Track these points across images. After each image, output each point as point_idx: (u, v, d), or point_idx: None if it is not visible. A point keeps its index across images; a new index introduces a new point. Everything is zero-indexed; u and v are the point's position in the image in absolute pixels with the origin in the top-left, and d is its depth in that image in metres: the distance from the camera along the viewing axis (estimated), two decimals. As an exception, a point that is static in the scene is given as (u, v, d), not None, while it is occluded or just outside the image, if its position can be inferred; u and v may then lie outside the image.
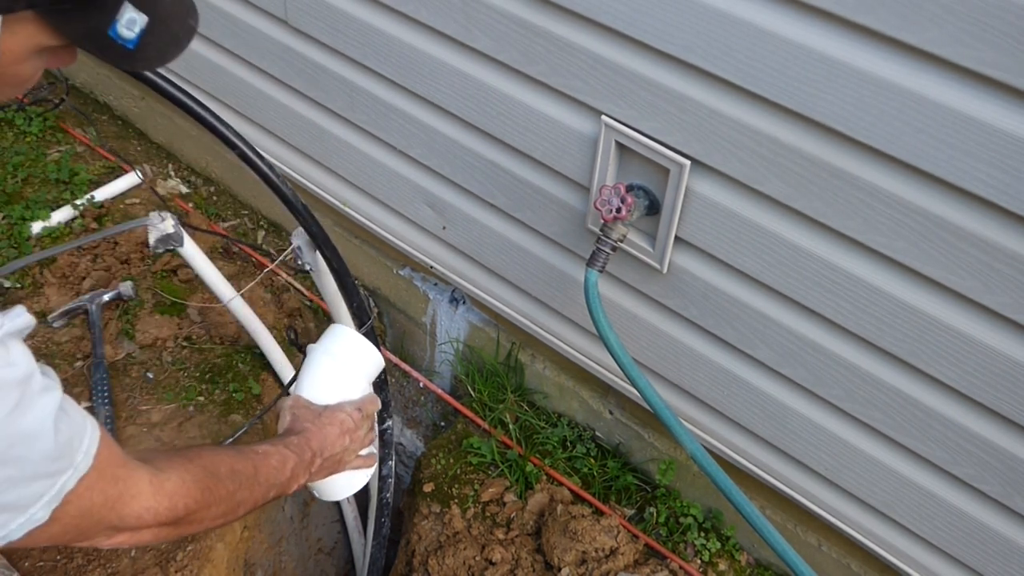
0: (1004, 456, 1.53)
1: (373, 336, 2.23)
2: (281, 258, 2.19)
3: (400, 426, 2.74)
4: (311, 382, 1.62)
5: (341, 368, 1.65)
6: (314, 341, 1.70)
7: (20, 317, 1.00)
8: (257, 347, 2.36)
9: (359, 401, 1.61)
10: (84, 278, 2.50)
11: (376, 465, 1.67)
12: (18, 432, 0.94)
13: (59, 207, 2.68)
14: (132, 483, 1.11)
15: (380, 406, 1.64)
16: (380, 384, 2.35)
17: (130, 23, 0.92)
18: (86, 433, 1.03)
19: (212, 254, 2.64)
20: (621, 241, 1.71)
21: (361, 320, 2.15)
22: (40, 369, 0.99)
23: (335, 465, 1.53)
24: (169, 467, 1.18)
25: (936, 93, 1.27)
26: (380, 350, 2.29)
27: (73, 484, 1.01)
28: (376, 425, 1.62)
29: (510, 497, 2.22)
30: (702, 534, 2.14)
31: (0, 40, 0.88)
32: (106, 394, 2.22)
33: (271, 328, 2.36)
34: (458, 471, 2.29)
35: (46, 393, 0.98)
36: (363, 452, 1.61)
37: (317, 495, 1.63)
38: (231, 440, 2.19)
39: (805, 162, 1.46)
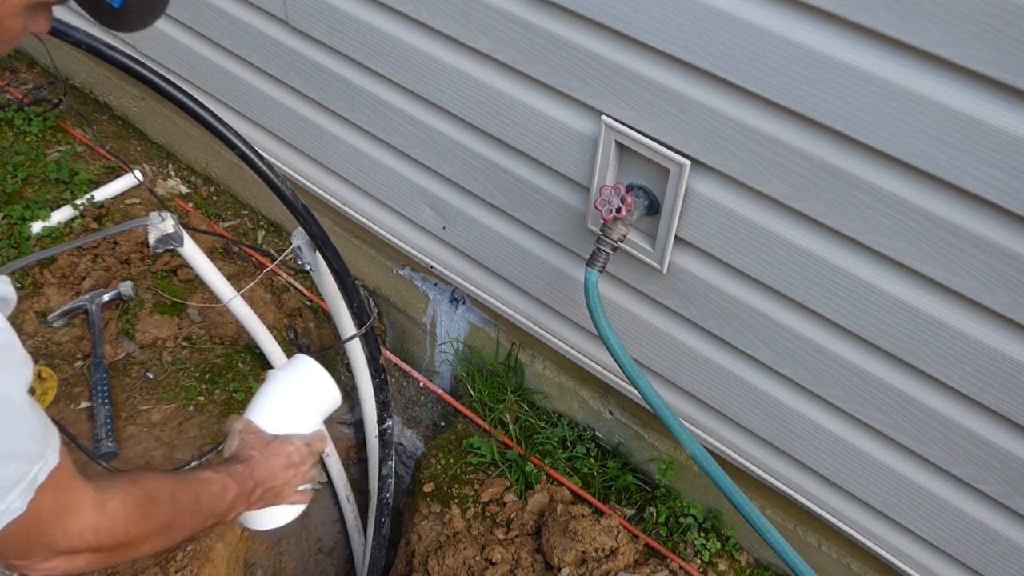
0: (1004, 456, 1.53)
1: (374, 337, 2.23)
2: (281, 258, 2.20)
3: (400, 426, 2.74)
4: (266, 409, 1.58)
5: (298, 399, 1.61)
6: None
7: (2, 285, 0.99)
8: (257, 347, 2.36)
9: (309, 436, 1.56)
10: (84, 278, 2.50)
11: (304, 505, 1.61)
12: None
13: (59, 207, 2.68)
14: (78, 496, 1.08)
15: (327, 445, 1.58)
16: (381, 384, 2.35)
17: None
18: (51, 430, 1.01)
19: (212, 254, 2.64)
20: (621, 241, 1.71)
21: (361, 320, 2.15)
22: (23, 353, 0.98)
23: (273, 497, 1.49)
24: (112, 488, 1.14)
25: (936, 93, 1.27)
26: (381, 351, 2.29)
27: (43, 477, 0.98)
28: (319, 463, 1.57)
29: (510, 497, 2.22)
30: (702, 534, 2.14)
31: None
32: (106, 394, 2.22)
33: (271, 328, 2.36)
34: (458, 471, 2.29)
35: (25, 366, 0.97)
36: (301, 488, 1.56)
37: (243, 523, 1.57)
38: (231, 440, 2.18)
39: (805, 162, 1.46)
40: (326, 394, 1.65)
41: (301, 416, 1.61)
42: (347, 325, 2.19)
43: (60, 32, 1.54)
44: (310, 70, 2.24)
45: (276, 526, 1.60)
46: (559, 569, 2.04)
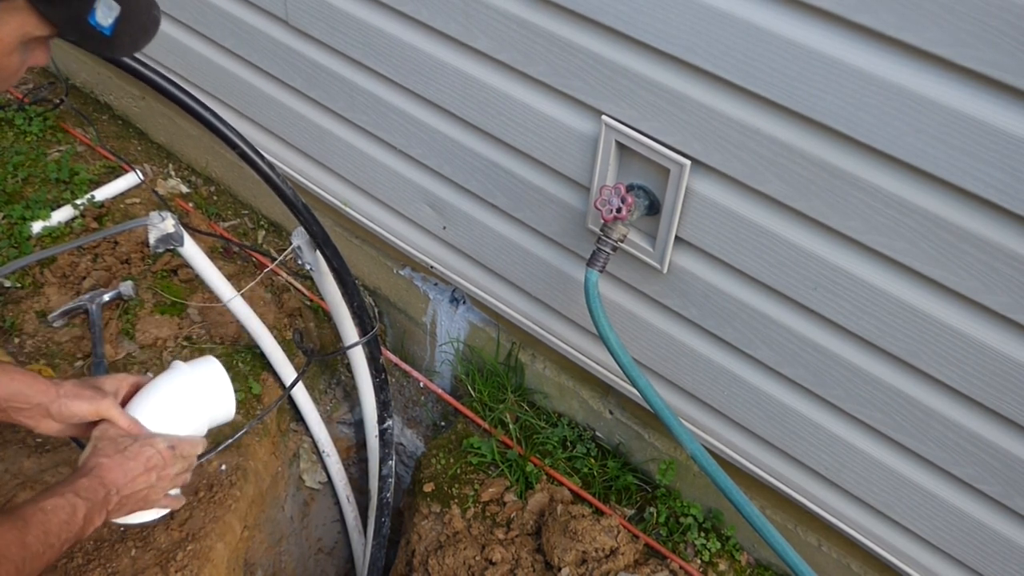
0: (1004, 456, 1.53)
1: (374, 337, 2.23)
2: (281, 258, 2.20)
3: (400, 426, 2.74)
4: (147, 399, 1.52)
5: (184, 398, 1.54)
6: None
7: None
8: (257, 347, 2.36)
9: (177, 439, 1.48)
10: (84, 278, 2.50)
11: (174, 509, 1.55)
12: None
13: (59, 207, 2.68)
14: None
15: (201, 450, 1.52)
16: (381, 384, 2.35)
17: (105, 12, 1.02)
18: None
19: (212, 254, 2.64)
20: (621, 241, 1.71)
21: (363, 321, 2.15)
22: None
23: (140, 502, 1.43)
24: None
25: (936, 93, 1.27)
26: (381, 351, 2.29)
27: None
28: (194, 467, 1.52)
29: (510, 497, 2.22)
30: (702, 534, 2.14)
31: None
32: (106, 394, 2.22)
33: (271, 328, 2.36)
34: (458, 471, 2.29)
35: None
36: (172, 492, 1.49)
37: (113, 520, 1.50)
38: (230, 442, 2.19)
39: (805, 162, 1.46)
40: (220, 401, 1.57)
41: (182, 416, 1.54)
42: (348, 325, 2.20)
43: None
44: (310, 70, 2.24)
45: (134, 523, 1.53)
46: (559, 569, 2.04)
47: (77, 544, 1.42)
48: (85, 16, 1.01)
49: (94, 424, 1.44)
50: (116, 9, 1.03)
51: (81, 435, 1.48)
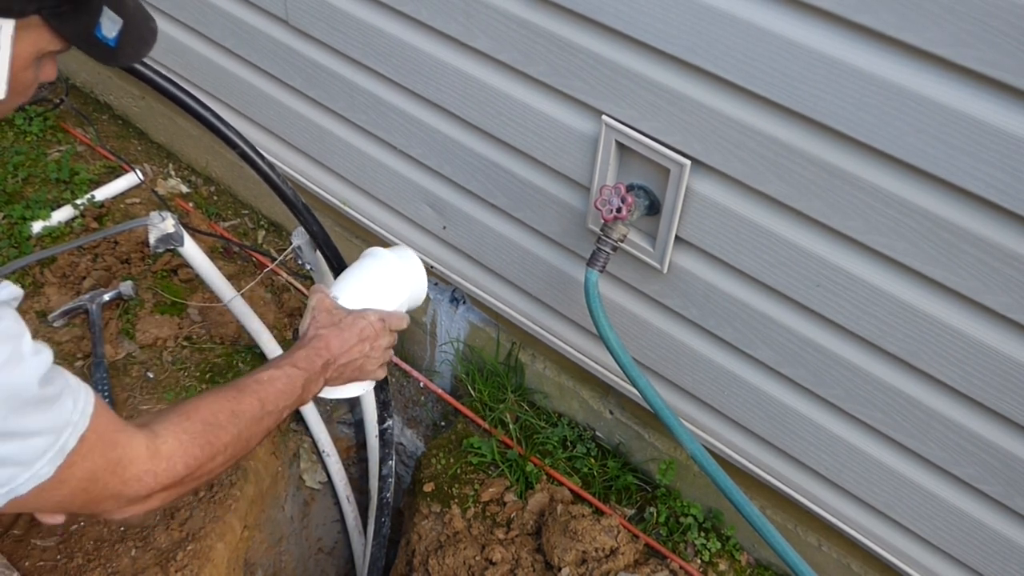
0: (1004, 456, 1.53)
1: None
2: (281, 258, 2.20)
3: (400, 426, 2.74)
4: (351, 279, 1.63)
5: (386, 277, 1.64)
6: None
7: (5, 288, 1.07)
8: (257, 347, 2.36)
9: (386, 312, 1.60)
10: (84, 278, 2.50)
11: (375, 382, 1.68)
12: (8, 386, 1.00)
13: (59, 207, 2.68)
14: (131, 448, 1.16)
15: (406, 325, 1.64)
16: (380, 384, 2.35)
17: (109, 25, 1.12)
18: (80, 396, 1.09)
19: (212, 254, 2.64)
20: (621, 241, 1.71)
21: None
22: (34, 345, 1.05)
23: (355, 372, 1.55)
24: (165, 430, 1.21)
25: (936, 93, 1.27)
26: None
27: (74, 443, 1.06)
28: (392, 353, 1.65)
29: (510, 497, 2.22)
30: (702, 534, 2.14)
31: (15, 44, 1.03)
32: (106, 393, 2.23)
33: (271, 328, 2.36)
34: (458, 471, 2.29)
35: (36, 356, 1.04)
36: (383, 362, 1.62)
37: (325, 392, 1.62)
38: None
39: (806, 162, 1.46)
40: (417, 281, 1.68)
41: (384, 295, 1.64)
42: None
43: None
44: (310, 70, 2.24)
45: (347, 396, 1.67)
46: (559, 569, 2.04)
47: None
48: (92, 30, 1.10)
49: None
50: (119, 22, 1.13)
51: None
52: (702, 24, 1.44)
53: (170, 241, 1.94)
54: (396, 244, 1.69)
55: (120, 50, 1.16)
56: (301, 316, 2.60)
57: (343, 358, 1.51)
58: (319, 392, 1.51)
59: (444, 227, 2.22)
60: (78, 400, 1.09)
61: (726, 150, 1.54)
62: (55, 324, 2.37)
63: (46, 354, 1.07)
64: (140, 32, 1.19)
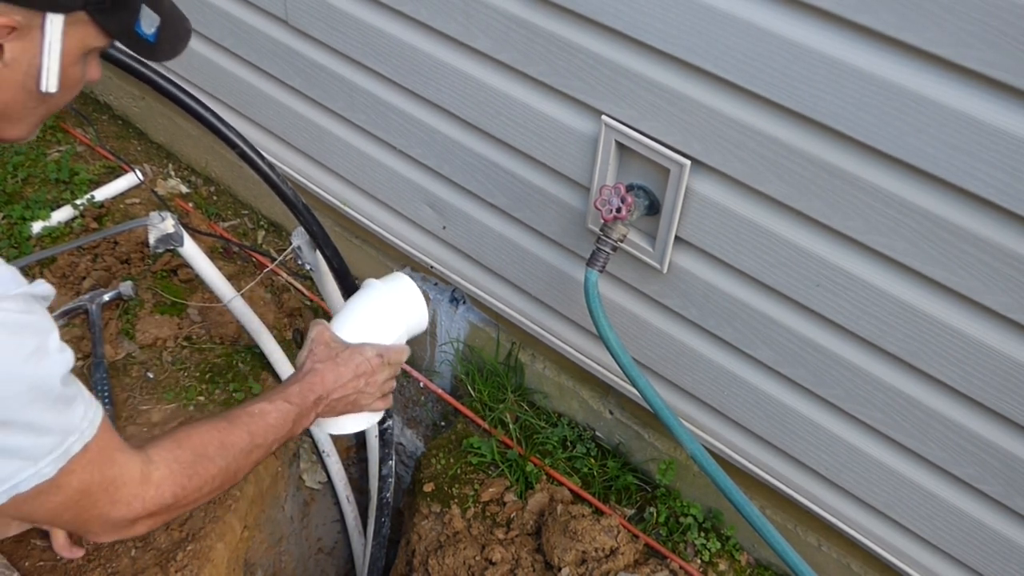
0: (1004, 456, 1.53)
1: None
2: (281, 258, 2.20)
3: (400, 426, 2.74)
4: (349, 314, 1.64)
5: (383, 310, 1.65)
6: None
7: (41, 286, 1.11)
8: (257, 347, 2.36)
9: (384, 348, 1.61)
10: (84, 278, 2.50)
11: (382, 414, 1.71)
12: (32, 377, 1.04)
13: (59, 207, 2.68)
14: (126, 469, 1.19)
15: (406, 357, 1.66)
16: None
17: (148, 22, 1.19)
18: (91, 406, 1.13)
19: (212, 254, 2.64)
20: (621, 241, 1.71)
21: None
22: (60, 343, 1.09)
23: (348, 406, 1.57)
24: (158, 456, 1.25)
25: (936, 93, 1.27)
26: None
27: (78, 449, 1.10)
28: (394, 382, 1.68)
29: (510, 497, 2.22)
30: (702, 534, 2.14)
31: (63, 39, 1.10)
32: (106, 394, 2.22)
33: (271, 328, 2.36)
34: (458, 471, 2.29)
35: (61, 353, 1.09)
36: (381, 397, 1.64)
37: (319, 427, 1.64)
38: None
39: (806, 162, 1.46)
40: (415, 311, 1.68)
41: (383, 327, 1.65)
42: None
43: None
44: (310, 70, 2.24)
45: (348, 432, 1.68)
46: (559, 569, 2.04)
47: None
48: (132, 26, 1.18)
49: None
50: (156, 20, 1.20)
51: None
52: (702, 24, 1.44)
53: (170, 241, 1.94)
54: (395, 273, 1.72)
55: (159, 46, 1.23)
56: (301, 316, 2.60)
57: (336, 393, 1.53)
58: (310, 425, 1.53)
59: (444, 227, 2.22)
60: (88, 410, 1.12)
61: (726, 150, 1.54)
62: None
63: (69, 354, 1.10)
64: (176, 30, 1.26)
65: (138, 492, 1.20)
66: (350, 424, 1.65)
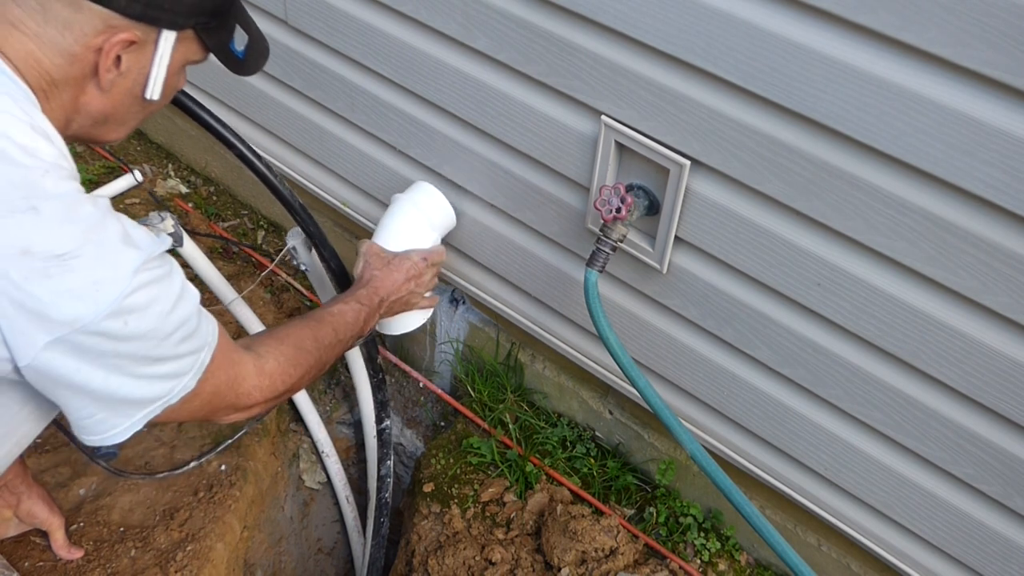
0: (1004, 456, 1.53)
1: (371, 338, 2.23)
2: (278, 259, 2.19)
3: (400, 426, 2.74)
4: (387, 229, 1.92)
5: (416, 218, 1.92)
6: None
7: (166, 231, 1.42)
8: (257, 347, 2.36)
9: (426, 251, 1.92)
10: (83, 278, 2.49)
11: (432, 308, 2.02)
12: (179, 318, 1.21)
13: (58, 207, 2.67)
14: (243, 366, 1.38)
15: (445, 257, 1.96)
16: (379, 384, 2.35)
17: (240, 40, 1.35)
18: (208, 317, 1.31)
19: (212, 254, 2.64)
20: (621, 241, 1.71)
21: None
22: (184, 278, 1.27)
23: (403, 306, 1.86)
24: (266, 352, 1.45)
25: (936, 93, 1.27)
26: (379, 350, 2.29)
27: (209, 358, 1.28)
28: (437, 276, 2.00)
29: (510, 497, 2.22)
30: (702, 534, 2.14)
31: (172, 53, 1.24)
32: (106, 394, 2.22)
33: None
34: (458, 471, 2.29)
35: (191, 287, 1.27)
36: (427, 295, 1.94)
37: (380, 329, 1.94)
38: (230, 443, 2.19)
39: (805, 162, 1.46)
40: (442, 213, 2.00)
41: (419, 234, 1.95)
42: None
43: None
44: (310, 70, 2.24)
45: (409, 330, 2.03)
46: (559, 569, 2.04)
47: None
48: (228, 43, 1.33)
49: None
50: (245, 38, 1.36)
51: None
52: (701, 24, 1.44)
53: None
54: (415, 183, 2.01)
55: (246, 62, 1.39)
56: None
57: (393, 295, 1.81)
58: (374, 325, 1.75)
59: (443, 227, 2.22)
60: (209, 322, 1.30)
61: (725, 150, 1.54)
62: (54, 324, 2.37)
63: (193, 287, 1.26)
64: (260, 48, 1.42)
65: (257, 383, 1.40)
66: (409, 321, 1.95)
